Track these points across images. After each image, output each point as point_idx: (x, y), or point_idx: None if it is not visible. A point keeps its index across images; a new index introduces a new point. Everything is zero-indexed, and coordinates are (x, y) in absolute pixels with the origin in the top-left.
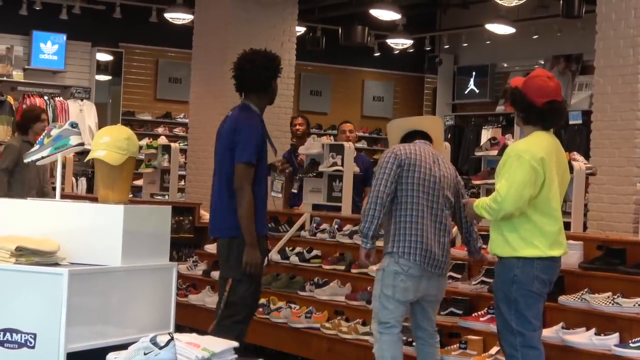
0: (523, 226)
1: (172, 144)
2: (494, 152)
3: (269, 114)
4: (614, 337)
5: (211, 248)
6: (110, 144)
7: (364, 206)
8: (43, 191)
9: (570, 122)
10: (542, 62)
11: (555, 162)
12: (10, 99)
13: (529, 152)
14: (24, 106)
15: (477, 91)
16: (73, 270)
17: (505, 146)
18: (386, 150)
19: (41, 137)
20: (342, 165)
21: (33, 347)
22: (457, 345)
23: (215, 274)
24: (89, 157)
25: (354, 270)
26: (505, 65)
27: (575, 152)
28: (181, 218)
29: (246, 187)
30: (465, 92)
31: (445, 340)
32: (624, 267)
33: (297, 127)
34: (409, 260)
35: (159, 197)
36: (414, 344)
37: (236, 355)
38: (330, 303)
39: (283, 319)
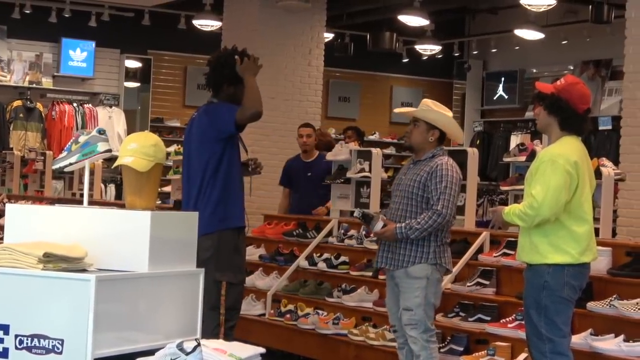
0: (555, 232)
1: None
2: (522, 158)
3: (298, 120)
4: None
5: None
6: (137, 150)
7: None
8: None
9: (600, 128)
10: (572, 68)
11: (586, 166)
12: (39, 106)
13: (563, 156)
14: (54, 113)
15: (506, 97)
16: (100, 276)
17: (533, 152)
18: (446, 160)
19: (69, 144)
20: (370, 171)
21: (60, 353)
22: (485, 351)
23: None
24: (116, 163)
25: (381, 277)
26: (535, 70)
27: (604, 158)
28: None
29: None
30: (494, 98)
31: (473, 346)
32: None
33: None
34: (447, 269)
35: None
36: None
37: None
38: (357, 309)
39: (311, 325)
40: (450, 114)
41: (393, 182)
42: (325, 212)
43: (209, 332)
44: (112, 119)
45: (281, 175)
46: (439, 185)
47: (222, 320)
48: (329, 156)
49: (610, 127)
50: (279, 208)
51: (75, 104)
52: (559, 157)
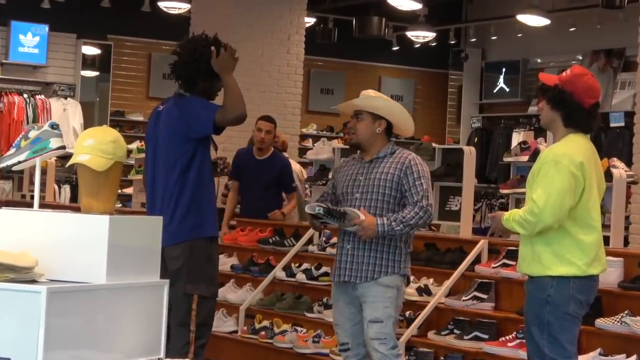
0: (560, 241)
1: None
2: (525, 158)
3: (275, 114)
4: None
5: None
6: (94, 147)
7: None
8: None
9: (611, 125)
10: (580, 58)
11: (594, 167)
12: None
13: (567, 157)
14: (1, 105)
15: (508, 90)
16: (52, 288)
17: (537, 151)
18: (414, 156)
19: (18, 139)
20: None
21: None
22: None
23: None
24: (71, 162)
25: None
26: (539, 60)
27: (615, 158)
28: None
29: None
30: (494, 91)
31: None
32: None
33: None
34: (410, 281)
35: None
36: None
37: None
38: None
39: (288, 344)
40: (396, 103)
41: (339, 184)
42: (281, 216)
43: (178, 350)
44: (67, 111)
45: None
46: (418, 182)
47: (192, 337)
48: (310, 154)
49: (622, 124)
50: (228, 203)
51: (25, 95)
52: (563, 158)
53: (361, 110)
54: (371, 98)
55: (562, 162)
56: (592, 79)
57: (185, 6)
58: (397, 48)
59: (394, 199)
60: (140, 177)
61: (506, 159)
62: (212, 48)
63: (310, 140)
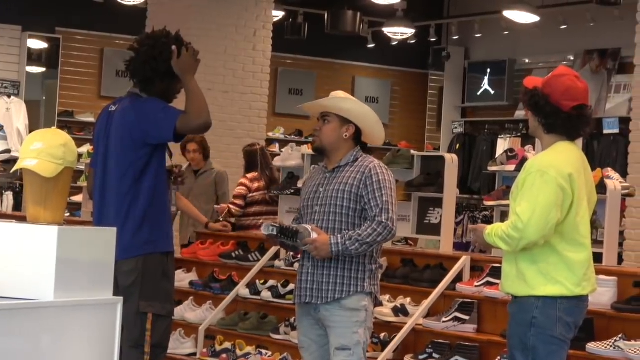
0: (546, 259)
1: None
2: (511, 167)
3: (239, 116)
4: None
5: None
6: (42, 151)
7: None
8: None
9: (605, 132)
10: (572, 58)
11: (583, 179)
12: None
13: (555, 168)
14: None
15: (493, 92)
16: None
17: (524, 159)
18: (378, 162)
19: None
20: None
21: None
22: None
23: None
24: (16, 167)
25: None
26: (527, 61)
27: (609, 168)
28: None
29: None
30: (478, 93)
31: None
32: None
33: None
34: (379, 301)
35: None
36: None
37: None
38: None
39: None
40: (368, 108)
41: (302, 196)
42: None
43: None
44: (10, 111)
45: None
46: (378, 194)
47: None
48: (277, 161)
49: (617, 131)
50: None
51: None
52: (550, 169)
53: (329, 112)
54: (340, 100)
55: (549, 173)
56: (572, 79)
57: None
58: (373, 46)
59: (354, 211)
60: None
61: (491, 168)
62: (174, 47)
63: (277, 145)
